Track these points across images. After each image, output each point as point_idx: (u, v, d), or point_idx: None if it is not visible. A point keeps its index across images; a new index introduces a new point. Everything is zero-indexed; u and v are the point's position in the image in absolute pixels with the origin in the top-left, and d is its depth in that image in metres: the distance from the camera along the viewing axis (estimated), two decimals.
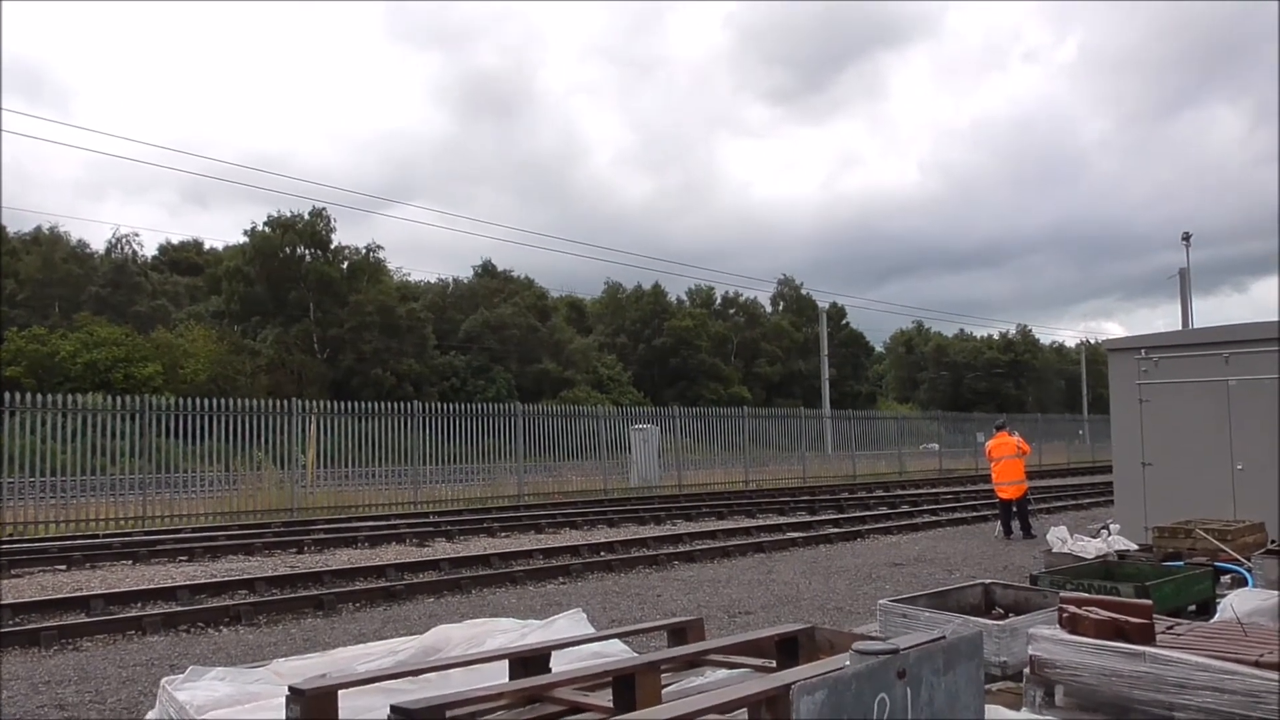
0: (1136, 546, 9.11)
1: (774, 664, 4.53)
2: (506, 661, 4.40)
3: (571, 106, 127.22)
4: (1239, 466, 11.20)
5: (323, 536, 15.30)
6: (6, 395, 16.94)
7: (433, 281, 67.80)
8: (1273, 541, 8.58)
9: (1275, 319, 12.20)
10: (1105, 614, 4.26)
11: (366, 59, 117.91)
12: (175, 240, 68.15)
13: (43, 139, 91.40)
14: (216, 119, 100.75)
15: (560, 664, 4.52)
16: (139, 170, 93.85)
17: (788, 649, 4.62)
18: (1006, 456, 15.72)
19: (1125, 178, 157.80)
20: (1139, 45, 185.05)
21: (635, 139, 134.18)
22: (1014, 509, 15.55)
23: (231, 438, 19.75)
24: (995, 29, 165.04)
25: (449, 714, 3.61)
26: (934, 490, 26.24)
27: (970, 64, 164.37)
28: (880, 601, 5.84)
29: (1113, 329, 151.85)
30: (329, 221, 54.24)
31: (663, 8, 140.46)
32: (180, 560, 13.58)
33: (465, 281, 66.94)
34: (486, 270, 67.65)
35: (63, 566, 12.83)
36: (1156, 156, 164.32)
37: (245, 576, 11.30)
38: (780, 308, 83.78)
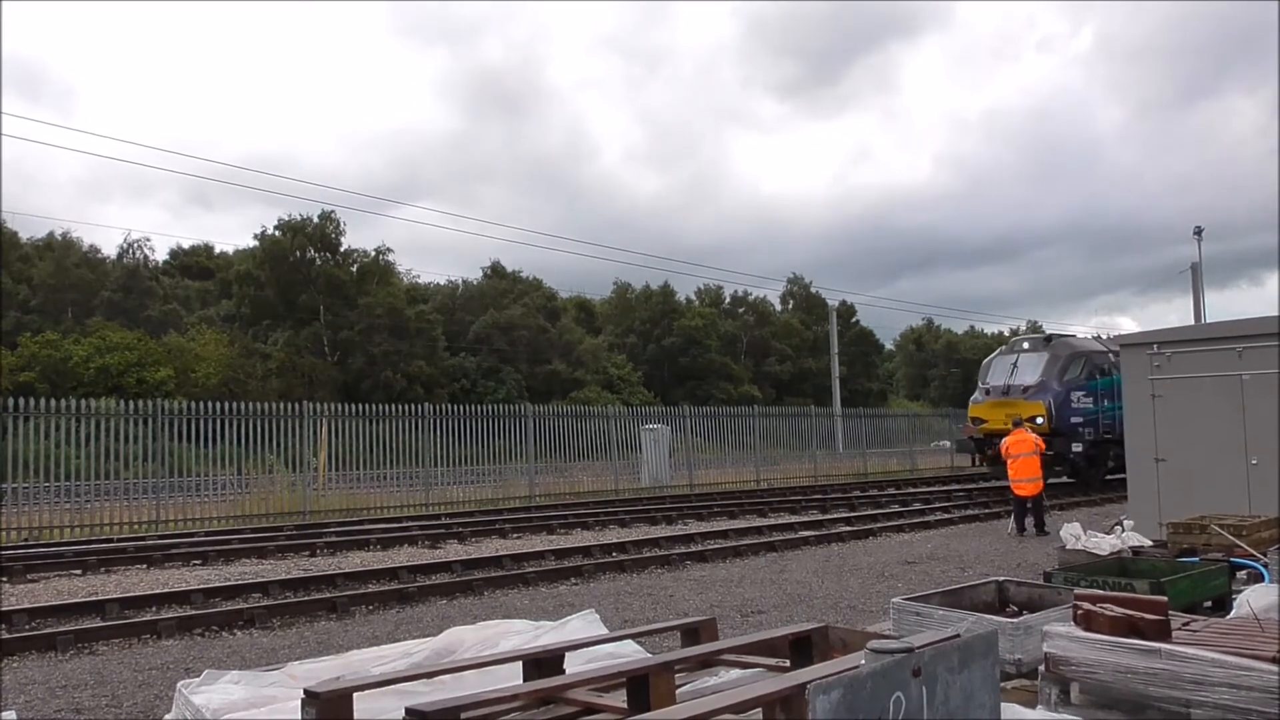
0: (1151, 543, 9.06)
1: (788, 663, 4.53)
2: (520, 663, 4.41)
3: (578, 102, 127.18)
4: (1253, 461, 11.13)
5: (335, 539, 15.34)
6: (20, 401, 17.06)
7: (442, 283, 67.96)
8: None
9: None
10: (1120, 611, 4.24)
11: (370, 56, 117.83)
12: (186, 244, 68.40)
13: (45, 143, 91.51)
14: (218, 119, 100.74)
15: (574, 665, 4.53)
16: (141, 173, 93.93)
17: (801, 648, 4.62)
18: (1024, 454, 15.61)
19: (1140, 169, 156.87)
20: (1155, 34, 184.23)
21: (643, 135, 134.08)
22: (1029, 506, 15.50)
23: (243, 441, 19.83)
24: (1008, 18, 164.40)
25: (464, 716, 3.62)
26: (946, 488, 26.15)
27: (983, 55, 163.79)
28: (893, 600, 5.82)
29: (1126, 324, 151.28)
30: (338, 224, 54.43)
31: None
32: (194, 564, 13.64)
33: (474, 283, 67.01)
34: (495, 271, 67.66)
35: (78, 571, 12.90)
36: (1172, 147, 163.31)
37: (259, 580, 11.35)
38: (790, 306, 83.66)
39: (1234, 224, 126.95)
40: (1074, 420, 22.55)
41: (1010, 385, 23.60)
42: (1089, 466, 23.34)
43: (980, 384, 25.01)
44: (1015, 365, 24.16)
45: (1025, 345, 25.13)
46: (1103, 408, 23.30)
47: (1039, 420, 21.50)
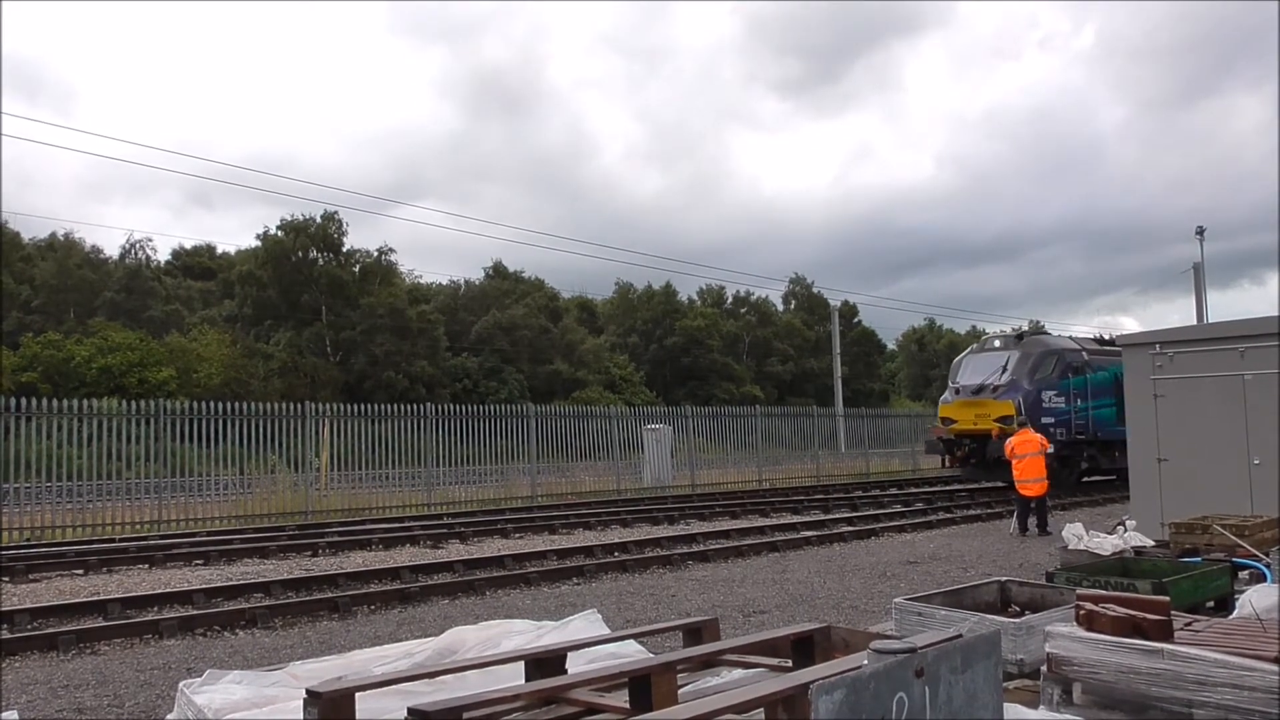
0: (1153, 543, 9.05)
1: (790, 664, 4.52)
2: (522, 663, 4.41)
3: (579, 101, 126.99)
4: (1256, 461, 11.12)
5: (337, 539, 15.35)
6: (23, 401, 17.08)
7: (444, 283, 67.99)
8: None
9: None
10: (1122, 611, 4.24)
11: (370, 56, 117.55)
12: (188, 245, 68.44)
13: (45, 143, 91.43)
14: (218, 119, 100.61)
15: (576, 665, 4.53)
16: (142, 173, 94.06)
17: (803, 648, 4.61)
18: (1029, 454, 15.54)
19: (1142, 168, 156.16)
20: (1156, 32, 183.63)
21: (644, 133, 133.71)
22: (1032, 506, 15.47)
23: (245, 441, 19.84)
24: (1010, 17, 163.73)
25: (466, 715, 3.62)
26: (948, 488, 26.13)
27: (985, 53, 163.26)
28: (895, 600, 5.82)
29: (1128, 323, 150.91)
30: (341, 225, 54.49)
31: None
32: (196, 564, 13.65)
33: (476, 283, 67.05)
34: (497, 271, 67.73)
35: (80, 571, 12.91)
36: (1174, 146, 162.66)
37: (261, 580, 11.35)
38: (792, 306, 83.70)
39: (1236, 223, 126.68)
40: (1045, 420, 21.56)
41: (980, 384, 22.93)
42: (1061, 468, 22.26)
43: (950, 383, 24.34)
44: (985, 364, 23.47)
45: (996, 343, 24.36)
46: (1075, 407, 22.75)
47: (1012, 420, 20.73)
